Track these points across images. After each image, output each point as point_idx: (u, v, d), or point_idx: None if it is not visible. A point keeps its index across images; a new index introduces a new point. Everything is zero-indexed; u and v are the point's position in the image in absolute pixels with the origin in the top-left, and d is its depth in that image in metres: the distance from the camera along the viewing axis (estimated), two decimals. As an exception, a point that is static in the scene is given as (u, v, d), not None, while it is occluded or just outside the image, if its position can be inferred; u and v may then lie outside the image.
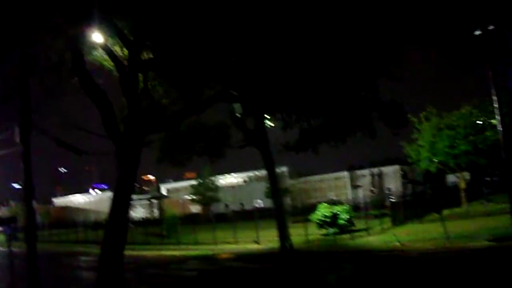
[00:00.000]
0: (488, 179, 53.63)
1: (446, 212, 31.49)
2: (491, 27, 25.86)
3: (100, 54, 16.82)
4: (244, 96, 20.81)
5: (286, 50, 17.01)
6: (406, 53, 22.44)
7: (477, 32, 26.05)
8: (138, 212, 75.35)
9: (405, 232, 27.97)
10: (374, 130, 24.85)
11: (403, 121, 25.88)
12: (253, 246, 29.88)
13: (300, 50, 17.19)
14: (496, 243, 20.11)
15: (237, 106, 25.37)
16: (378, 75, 22.06)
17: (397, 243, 23.54)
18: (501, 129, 26.15)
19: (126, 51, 16.05)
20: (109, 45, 16.00)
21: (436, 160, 41.30)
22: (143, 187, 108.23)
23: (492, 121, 37.08)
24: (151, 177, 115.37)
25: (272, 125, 26.09)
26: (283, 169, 67.83)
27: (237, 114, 26.34)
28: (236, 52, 16.91)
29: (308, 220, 31.42)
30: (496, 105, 26.15)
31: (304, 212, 34.78)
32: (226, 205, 69.34)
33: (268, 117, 25.79)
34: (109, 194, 56.86)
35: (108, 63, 17.04)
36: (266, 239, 30.04)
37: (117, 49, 16.34)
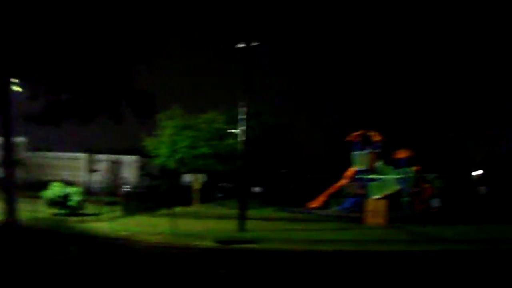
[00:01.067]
0: (223, 184, 56.06)
1: (178, 209, 31.89)
2: (254, 43, 26.84)
3: None
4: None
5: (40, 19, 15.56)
6: (167, 50, 22.21)
7: (240, 45, 26.86)
8: None
9: (135, 223, 27.71)
10: (120, 116, 24.16)
11: (151, 112, 25.57)
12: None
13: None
14: (220, 245, 20.64)
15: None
16: (135, 62, 21.48)
17: (125, 232, 23.10)
18: (244, 139, 27.17)
19: None
20: None
21: (175, 158, 41.74)
22: None
23: (233, 130, 38.61)
24: None
25: (19, 90, 23.93)
26: (21, 139, 63.58)
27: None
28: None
29: (39, 197, 29.84)
30: (242, 116, 27.05)
31: (37, 188, 32.70)
32: None
33: (15, 81, 23.58)
34: None
35: None
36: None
37: None
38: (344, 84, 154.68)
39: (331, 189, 44.64)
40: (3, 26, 16.38)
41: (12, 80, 23.55)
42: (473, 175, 65.15)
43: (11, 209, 23.72)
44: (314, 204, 44.05)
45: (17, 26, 16.66)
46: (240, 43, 26.92)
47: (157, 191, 39.48)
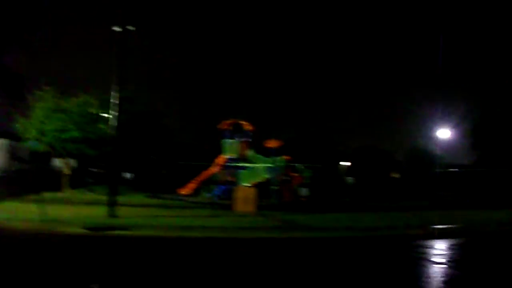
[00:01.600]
0: (93, 169, 55.12)
1: (47, 195, 31.13)
2: (130, 27, 26.70)
3: None
4: None
5: None
6: (42, 31, 21.67)
7: (116, 28, 26.63)
8: None
9: (3, 209, 26.53)
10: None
11: (22, 95, 24.88)
12: None
13: None
14: (90, 232, 20.49)
15: None
16: (7, 40, 20.90)
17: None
18: (115, 124, 27.01)
19: None
20: None
21: (44, 141, 40.64)
22: None
23: (105, 115, 38.15)
24: None
25: None
26: None
27: None
28: None
29: None
30: (115, 101, 26.88)
31: None
32: None
33: None
34: None
35: None
36: None
37: None
38: (217, 73, 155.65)
39: (202, 176, 45.28)
40: None
41: None
42: (341, 166, 68.29)
43: None
44: (185, 191, 44.53)
45: None
46: (116, 26, 26.65)
47: (26, 176, 38.20)
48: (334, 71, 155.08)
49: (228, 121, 46.18)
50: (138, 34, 28.01)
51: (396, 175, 77.00)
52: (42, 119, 39.88)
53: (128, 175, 59.55)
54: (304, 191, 44.21)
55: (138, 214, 27.37)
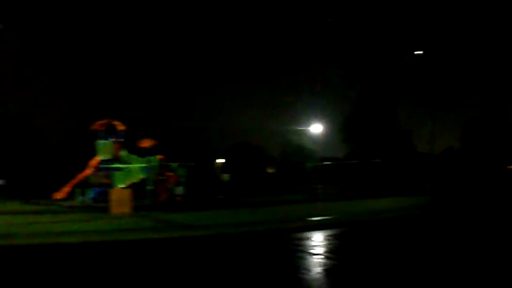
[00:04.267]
0: None
1: None
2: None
3: None
4: None
5: None
6: None
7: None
8: None
9: None
10: None
11: None
12: None
13: None
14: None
15: None
16: None
17: None
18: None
19: None
20: None
21: None
22: None
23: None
24: None
25: None
26: None
27: None
28: None
29: None
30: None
31: None
32: None
33: None
34: None
35: None
36: None
37: None
38: (88, 74, 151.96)
39: (76, 179, 44.69)
40: None
41: None
42: (216, 164, 69.53)
43: None
44: (59, 195, 43.77)
45: None
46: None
47: None
48: (202, 63, 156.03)
49: (101, 122, 45.86)
50: (8, 33, 27.48)
51: (272, 170, 79.54)
52: None
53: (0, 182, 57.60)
54: (179, 190, 44.96)
55: (12, 222, 26.75)
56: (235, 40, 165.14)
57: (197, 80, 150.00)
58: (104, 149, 44.96)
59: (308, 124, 51.23)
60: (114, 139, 45.44)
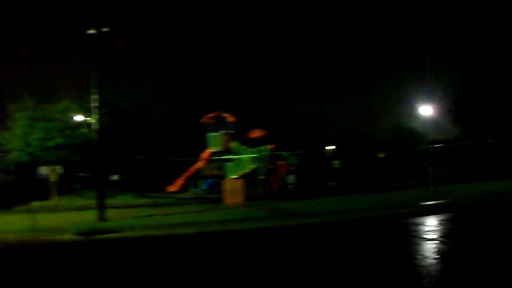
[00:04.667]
0: (80, 174, 54.98)
1: (35, 204, 31.10)
2: (105, 29, 26.68)
3: None
4: None
5: None
6: (18, 40, 21.60)
7: (90, 31, 26.57)
8: None
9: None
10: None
11: (1, 107, 24.87)
12: None
13: None
14: (83, 237, 20.45)
15: None
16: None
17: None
18: (98, 127, 27.07)
19: None
20: None
21: (28, 151, 40.51)
22: None
23: (87, 119, 38.19)
24: None
25: None
26: None
27: None
28: None
29: None
30: (95, 104, 26.93)
31: None
32: None
33: None
34: None
35: None
36: None
37: None
38: (195, 67, 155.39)
39: (189, 172, 45.39)
40: None
41: None
42: (326, 151, 68.48)
43: None
44: (173, 188, 44.69)
45: None
46: (90, 29, 26.62)
47: (12, 187, 38.11)
48: (312, 54, 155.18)
49: (211, 115, 46.30)
50: (115, 35, 27.96)
51: (382, 155, 77.46)
52: (24, 129, 39.73)
53: (115, 177, 59.47)
54: (291, 179, 44.49)
55: (128, 215, 27.45)
56: (340, 26, 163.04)
57: (305, 68, 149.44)
58: (214, 142, 45.34)
59: (418, 107, 48.94)
60: (224, 131, 45.65)
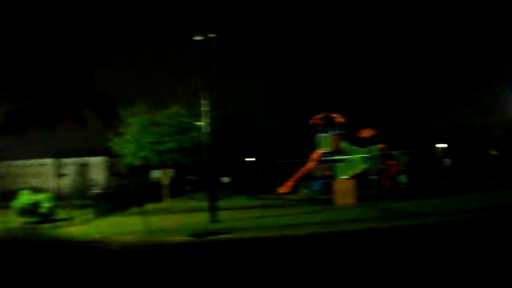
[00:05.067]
0: (191, 177, 56.05)
1: (149, 206, 31.90)
2: (212, 35, 26.91)
3: None
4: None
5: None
6: (125, 49, 22.11)
7: (198, 38, 26.89)
8: None
9: (107, 224, 27.54)
10: (84, 119, 24.01)
11: (113, 113, 25.51)
12: None
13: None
14: (196, 238, 20.67)
15: None
16: (94, 64, 21.31)
17: (98, 235, 22.82)
18: (208, 131, 27.30)
19: None
20: None
21: (141, 155, 41.51)
22: None
23: (197, 123, 38.66)
24: None
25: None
26: (-15, 151, 62.79)
27: None
28: None
29: (8, 207, 29.29)
30: (205, 108, 27.16)
31: (5, 198, 32.22)
32: None
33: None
34: None
35: None
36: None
37: None
38: (303, 68, 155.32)
39: (299, 173, 45.14)
40: None
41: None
42: (437, 149, 66.14)
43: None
44: (283, 189, 44.55)
45: None
46: (198, 36, 26.97)
47: (127, 190, 39.25)
48: (418, 50, 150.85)
49: (320, 115, 45.85)
50: (221, 39, 28.14)
51: (495, 153, 73.76)
52: (137, 134, 40.76)
53: (226, 179, 60.27)
54: (402, 178, 43.05)
55: (239, 217, 27.57)
56: (448, 26, 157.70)
57: (413, 66, 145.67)
58: (324, 142, 44.86)
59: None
60: (334, 132, 44.97)
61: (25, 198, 29.19)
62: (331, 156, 43.66)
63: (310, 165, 45.12)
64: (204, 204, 28.20)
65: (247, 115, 63.89)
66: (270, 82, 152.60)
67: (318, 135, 45.43)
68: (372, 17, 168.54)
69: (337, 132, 45.12)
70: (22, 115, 23.43)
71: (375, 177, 41.60)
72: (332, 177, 40.63)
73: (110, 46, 21.30)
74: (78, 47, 19.22)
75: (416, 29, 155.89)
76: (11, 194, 31.58)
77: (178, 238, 20.89)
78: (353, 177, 38.32)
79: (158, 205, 37.34)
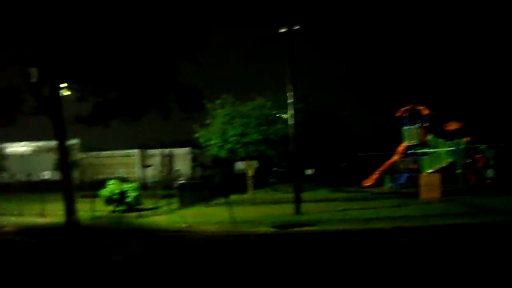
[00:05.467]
0: (275, 169, 56.41)
1: (233, 197, 32.36)
2: (296, 27, 27.08)
3: None
4: (41, 61, 19.36)
5: (86, 22, 16.11)
6: (211, 41, 22.51)
7: (282, 30, 27.11)
8: None
9: (192, 214, 28.15)
10: (169, 111, 24.60)
11: (199, 106, 26.02)
12: (38, 220, 28.07)
13: (100, 23, 16.42)
14: (280, 230, 20.89)
15: (33, 71, 23.40)
16: (181, 58, 21.77)
17: (184, 224, 23.44)
18: (293, 123, 27.47)
19: None
20: None
21: (227, 147, 42.03)
22: None
23: (283, 115, 38.85)
24: None
25: (68, 93, 24.71)
26: (74, 141, 65.43)
27: (33, 80, 24.28)
28: (36, 16, 15.61)
29: (96, 196, 30.23)
30: (290, 100, 27.35)
31: (93, 187, 33.51)
32: (13, 175, 65.24)
33: (64, 85, 24.33)
34: None
35: None
36: (53, 212, 28.55)
37: None
38: (388, 60, 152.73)
39: (384, 166, 44.70)
40: (50, 32, 16.90)
41: (62, 84, 24.36)
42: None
43: (70, 210, 24.49)
44: (368, 182, 44.26)
45: (62, 31, 17.16)
46: (282, 28, 27.16)
47: (211, 181, 39.94)
48: (503, 41, 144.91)
49: (406, 108, 45.09)
50: (306, 31, 28.19)
51: None
52: (222, 126, 41.30)
53: (309, 171, 60.35)
54: (489, 173, 41.73)
55: (323, 209, 27.60)
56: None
57: (499, 57, 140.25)
58: (410, 135, 44.21)
59: None
60: (419, 124, 44.15)
61: (112, 187, 30.18)
62: (417, 149, 43.00)
63: (395, 157, 44.61)
64: (288, 196, 28.40)
65: (331, 106, 63.61)
66: (355, 74, 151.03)
67: (404, 127, 44.76)
68: (458, 7, 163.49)
69: (423, 124, 44.30)
70: (108, 107, 24.25)
71: (461, 171, 40.63)
72: (418, 171, 40.05)
73: (196, 39, 21.69)
74: (165, 40, 19.68)
75: (505, 18, 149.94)
76: (98, 184, 32.78)
77: (262, 229, 21.18)
78: (438, 170, 37.60)
79: (243, 196, 37.82)
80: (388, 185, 41.83)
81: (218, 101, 41.56)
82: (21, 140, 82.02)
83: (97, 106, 24.74)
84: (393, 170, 44.09)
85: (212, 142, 42.14)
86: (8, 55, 17.83)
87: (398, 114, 45.40)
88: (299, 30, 27.44)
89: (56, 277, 13.12)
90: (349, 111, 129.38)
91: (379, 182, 43.61)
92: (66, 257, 16.91)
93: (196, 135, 42.33)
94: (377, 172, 44.70)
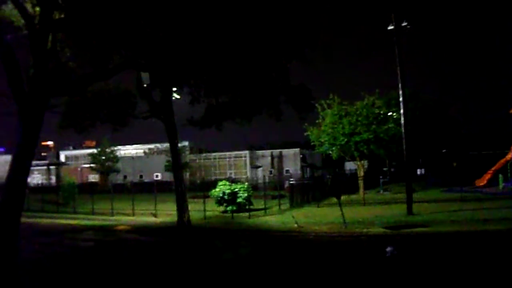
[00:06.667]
0: (385, 169, 55.80)
1: (343, 198, 32.50)
2: (404, 24, 26.92)
3: (10, 9, 16.00)
4: (153, 66, 20.42)
5: (199, 25, 16.81)
6: (320, 40, 22.72)
7: (390, 27, 27.03)
8: (35, 178, 73.46)
9: (302, 214, 28.41)
10: (280, 112, 25.08)
11: (310, 106, 26.33)
12: (151, 219, 29.62)
13: (212, 26, 17.04)
14: (392, 231, 20.82)
15: (145, 76, 24.77)
16: (291, 58, 22.15)
17: (295, 225, 23.74)
18: (403, 122, 27.30)
19: (37, 9, 15.22)
20: (20, 1, 15.15)
21: (337, 146, 42.05)
22: (41, 153, 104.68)
23: (393, 114, 38.50)
24: (50, 143, 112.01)
25: (178, 97, 25.87)
26: (185, 143, 67.87)
27: (145, 84, 25.71)
28: (148, 20, 16.53)
29: (207, 197, 31.35)
30: (401, 99, 27.20)
31: (203, 188, 34.76)
32: (125, 176, 68.69)
33: (176, 89, 25.55)
34: (5, 158, 54.69)
35: (18, 20, 16.17)
36: (164, 212, 30.04)
37: (28, 6, 15.48)
38: (502, 56, 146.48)
39: (497, 165, 43.16)
40: (162, 38, 17.71)
41: (173, 88, 25.59)
42: None
43: (182, 210, 25.65)
44: (481, 182, 42.86)
45: (174, 36, 17.87)
46: (390, 25, 27.08)
47: (321, 181, 40.16)
48: None
49: (520, 105, 43.48)
50: (415, 29, 27.94)
51: None
52: (332, 125, 41.37)
53: (418, 171, 59.25)
54: None
55: (435, 210, 27.15)
56: None
57: None
58: (525, 133, 42.49)
59: None
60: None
61: (223, 187, 30.97)
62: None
63: (508, 156, 42.98)
64: (399, 196, 28.19)
65: (441, 104, 62.05)
66: (466, 70, 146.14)
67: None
68: None
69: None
70: (220, 110, 25.06)
71: None
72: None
73: (307, 40, 21.95)
74: (276, 41, 20.11)
75: None
76: (209, 184, 33.83)
77: (373, 230, 21.22)
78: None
79: (353, 197, 37.79)
80: (502, 185, 40.37)
81: (325, 101, 41.72)
82: (133, 143, 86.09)
83: (209, 109, 25.68)
84: (507, 170, 42.53)
85: (323, 141, 42.28)
86: (121, 61, 18.90)
87: (511, 111, 43.88)
88: (407, 27, 27.27)
89: (173, 275, 13.93)
90: (461, 108, 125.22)
91: (492, 182, 42.17)
92: (180, 256, 17.82)
93: (307, 132, 42.61)
94: (490, 171, 43.23)
